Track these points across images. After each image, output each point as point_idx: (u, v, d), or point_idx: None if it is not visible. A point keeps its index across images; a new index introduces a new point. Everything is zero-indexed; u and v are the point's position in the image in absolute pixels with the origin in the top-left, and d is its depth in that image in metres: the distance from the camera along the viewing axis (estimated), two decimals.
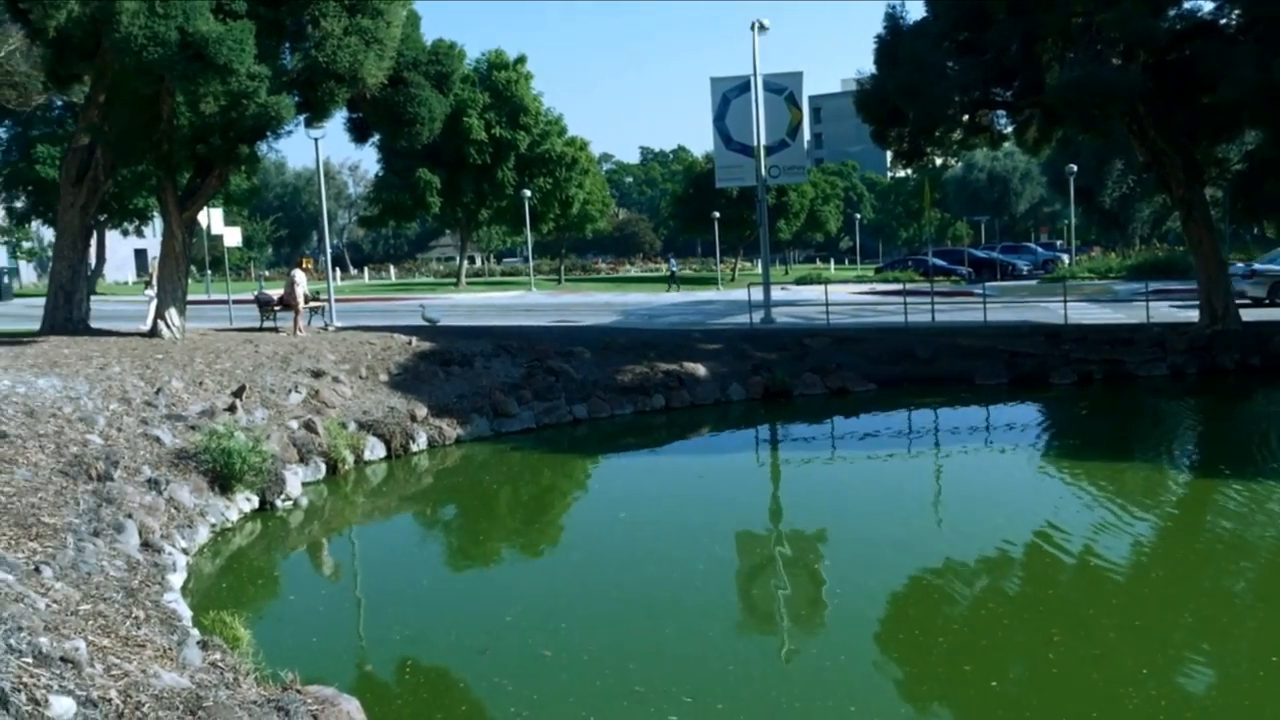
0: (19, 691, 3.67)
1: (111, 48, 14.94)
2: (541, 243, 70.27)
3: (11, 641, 4.15)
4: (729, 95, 27.16)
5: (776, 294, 30.82)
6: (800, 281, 51.75)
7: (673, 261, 57.20)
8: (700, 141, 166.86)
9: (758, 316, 25.92)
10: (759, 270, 33.44)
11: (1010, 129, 24.88)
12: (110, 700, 4.67)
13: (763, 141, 26.82)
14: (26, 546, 7.90)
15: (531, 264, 59.94)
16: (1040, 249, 60.55)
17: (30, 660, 4.25)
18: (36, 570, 7.30)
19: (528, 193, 51.17)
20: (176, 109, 17.32)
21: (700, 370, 19.50)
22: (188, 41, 14.28)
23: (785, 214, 62.72)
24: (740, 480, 14.51)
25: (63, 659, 4.71)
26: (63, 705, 3.92)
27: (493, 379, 18.03)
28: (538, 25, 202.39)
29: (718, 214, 56.85)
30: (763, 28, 26.71)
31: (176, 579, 9.46)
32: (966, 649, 8.07)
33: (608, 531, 11.98)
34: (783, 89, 26.95)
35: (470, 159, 49.60)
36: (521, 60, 52.68)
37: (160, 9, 14.27)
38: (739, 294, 36.02)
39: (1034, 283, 42.71)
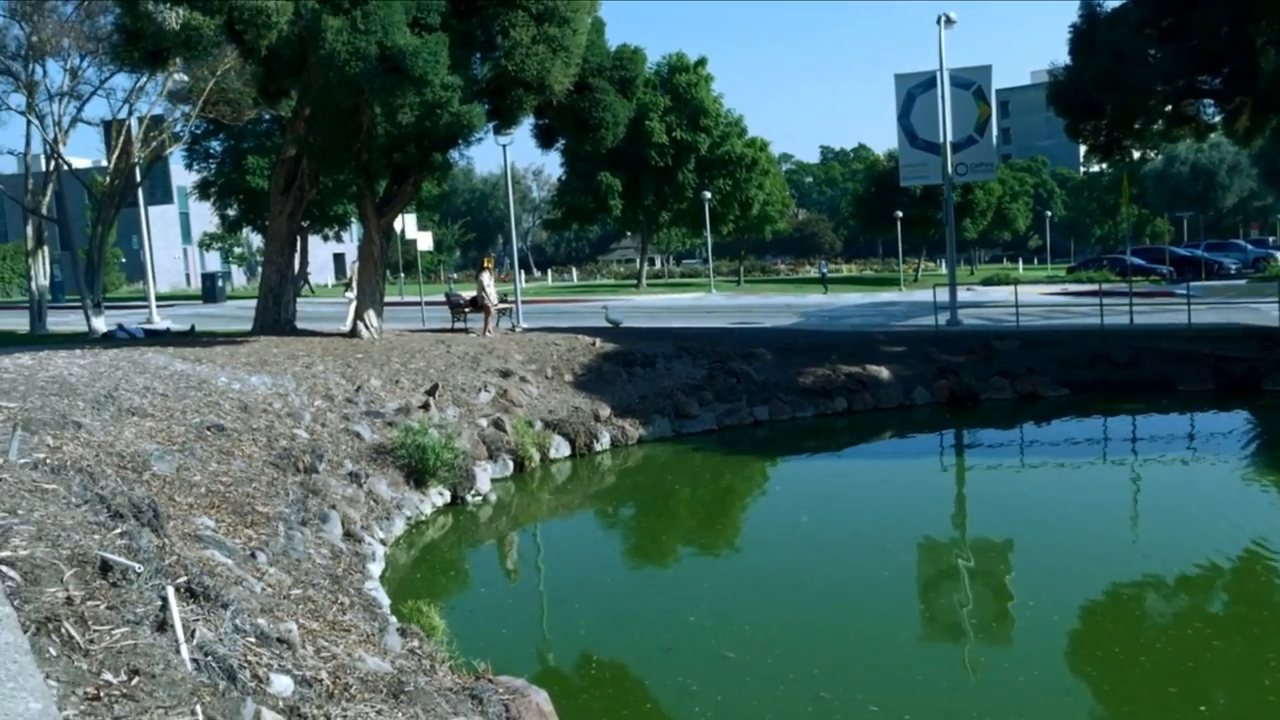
0: (245, 669, 3.94)
1: (317, 64, 15.76)
2: (720, 244, 70.34)
3: (237, 622, 4.46)
4: (914, 92, 26.61)
5: (962, 295, 29.99)
6: (987, 282, 50.19)
7: (823, 264, 57.40)
8: (882, 139, 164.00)
9: (943, 318, 25.30)
10: (943, 271, 32.61)
11: (1218, 119, 23.54)
12: (321, 681, 4.94)
13: (949, 138, 26.18)
14: (243, 533, 8.40)
15: (711, 265, 60.05)
16: (1250, 246, 56.98)
17: (254, 640, 4.56)
18: (252, 556, 7.77)
19: (708, 195, 51.32)
20: (375, 120, 18.11)
21: (883, 373, 19.19)
22: (386, 55, 14.93)
23: (971, 212, 61.03)
24: (924, 486, 14.22)
25: (279, 640, 5.02)
26: (282, 683, 4.19)
27: (674, 380, 18.21)
28: (719, 26, 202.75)
29: (900, 213, 55.72)
30: (949, 21, 26.06)
31: (375, 568, 9.93)
32: (1171, 671, 7.70)
33: (789, 535, 11.93)
34: (970, 84, 26.23)
35: (651, 162, 50.07)
36: (702, 62, 52.87)
37: (361, 25, 14.97)
38: (922, 295, 35.25)
39: (1243, 282, 40.24)
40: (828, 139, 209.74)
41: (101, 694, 2.90)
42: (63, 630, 3.26)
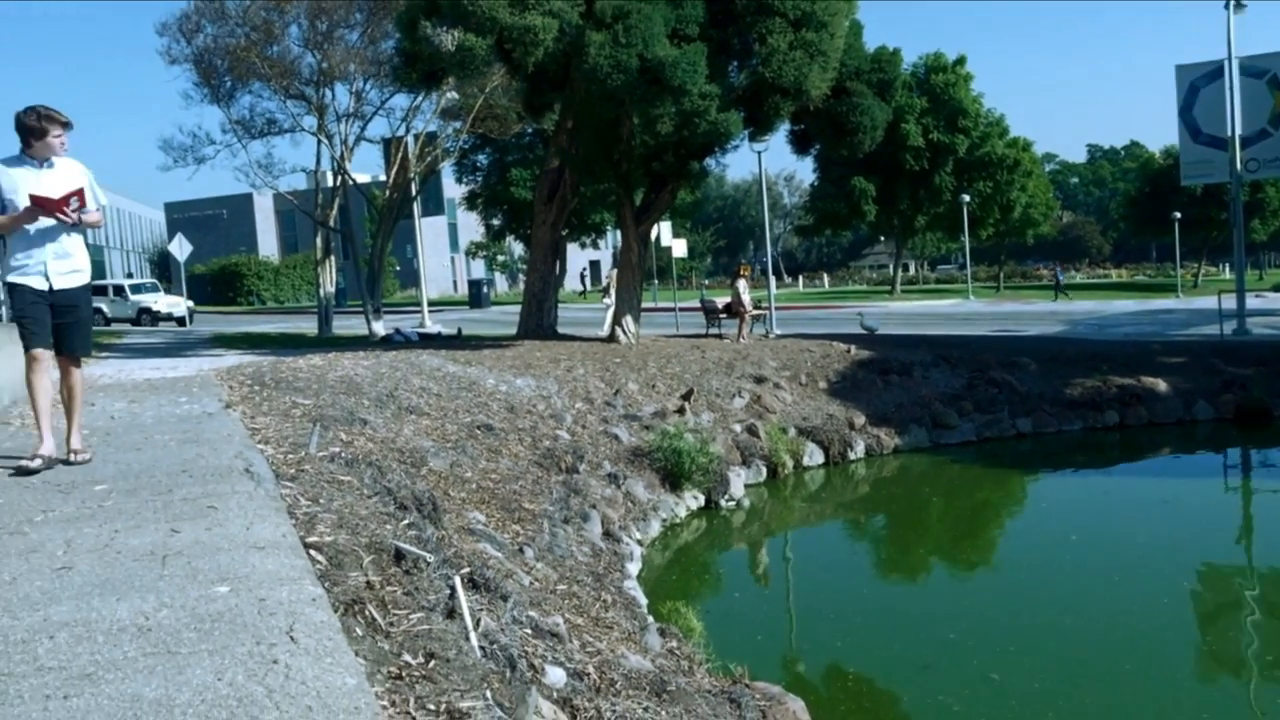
0: (523, 659, 4.12)
1: (579, 78, 16.30)
2: (979, 249, 68.03)
3: (515, 613, 4.67)
4: (1197, 84, 24.88)
5: (1251, 302, 27.79)
6: (1278, 288, 46.30)
7: (1059, 270, 54.66)
8: (1157, 136, 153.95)
9: (1229, 327, 23.52)
10: (1226, 276, 30.26)
11: None
12: (589, 675, 5.10)
13: (1237, 132, 24.32)
14: (511, 529, 8.78)
15: (969, 270, 58.17)
16: None
17: (529, 632, 4.76)
18: (520, 550, 8.10)
19: (966, 198, 49.76)
20: (635, 130, 18.55)
21: (1160, 385, 18.01)
22: (646, 67, 15.27)
23: (1261, 212, 56.51)
24: (1206, 508, 13.25)
25: (550, 633, 5.22)
26: (556, 675, 4.35)
27: (932, 389, 17.75)
28: (979, 23, 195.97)
29: (1178, 214, 52.26)
30: (1239, 5, 24.18)
31: (633, 567, 10.15)
32: None
33: (1056, 553, 11.38)
34: (1263, 71, 24.26)
35: (907, 165, 49.00)
36: (961, 61, 51.32)
37: (623, 39, 15.36)
38: (1204, 302, 32.94)
39: None
40: (1096, 137, 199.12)
41: (403, 674, 3.11)
42: (366, 613, 3.52)
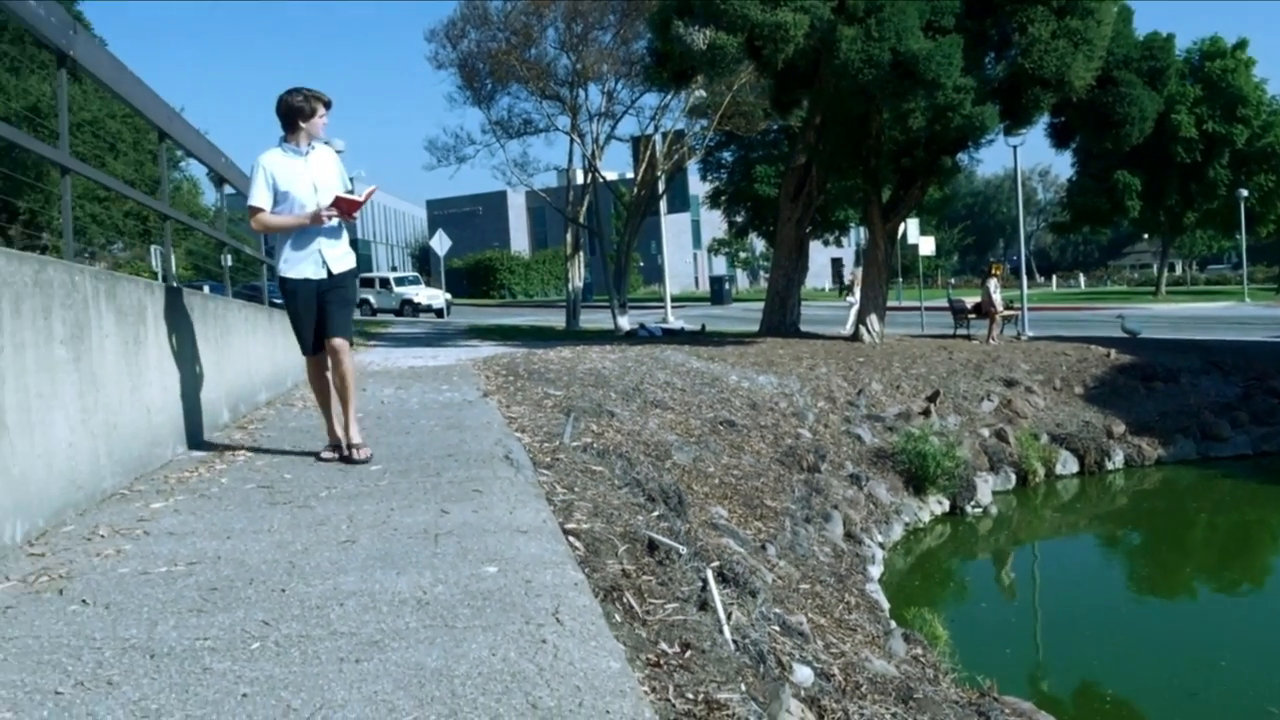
0: (771, 655, 4.15)
1: (830, 73, 16.16)
2: (1256, 247, 63.04)
3: (763, 609, 4.70)
4: None
5: None
6: None
7: None
8: None
9: None
10: None
11: None
12: (834, 676, 5.07)
13: None
14: (753, 525, 8.82)
15: (1244, 271, 53.98)
16: None
17: (777, 629, 4.79)
18: (762, 548, 8.13)
19: (1244, 192, 46.18)
20: (884, 126, 18.23)
21: None
22: (899, 61, 14.98)
23: None
24: None
25: (796, 631, 5.22)
26: (803, 673, 4.36)
27: (1201, 398, 16.62)
28: (1265, 7, 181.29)
29: None
30: None
31: (875, 570, 10.01)
32: None
33: None
34: None
35: (1177, 158, 45.86)
36: (1242, 45, 47.60)
37: (875, 33, 15.13)
38: None
39: None
40: None
41: (660, 662, 3.20)
42: (624, 600, 3.63)
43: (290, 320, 6.23)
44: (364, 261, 68.22)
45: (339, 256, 6.10)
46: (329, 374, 6.22)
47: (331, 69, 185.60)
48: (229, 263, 10.52)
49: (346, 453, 6.09)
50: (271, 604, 3.34)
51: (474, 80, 27.75)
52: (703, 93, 26.33)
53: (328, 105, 5.99)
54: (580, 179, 29.56)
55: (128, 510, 4.86)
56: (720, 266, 71.13)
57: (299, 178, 5.92)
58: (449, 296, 45.88)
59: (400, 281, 46.71)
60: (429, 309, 43.46)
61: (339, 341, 6.04)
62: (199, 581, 3.62)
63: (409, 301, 44.01)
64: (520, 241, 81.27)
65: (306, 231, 5.98)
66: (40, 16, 4.96)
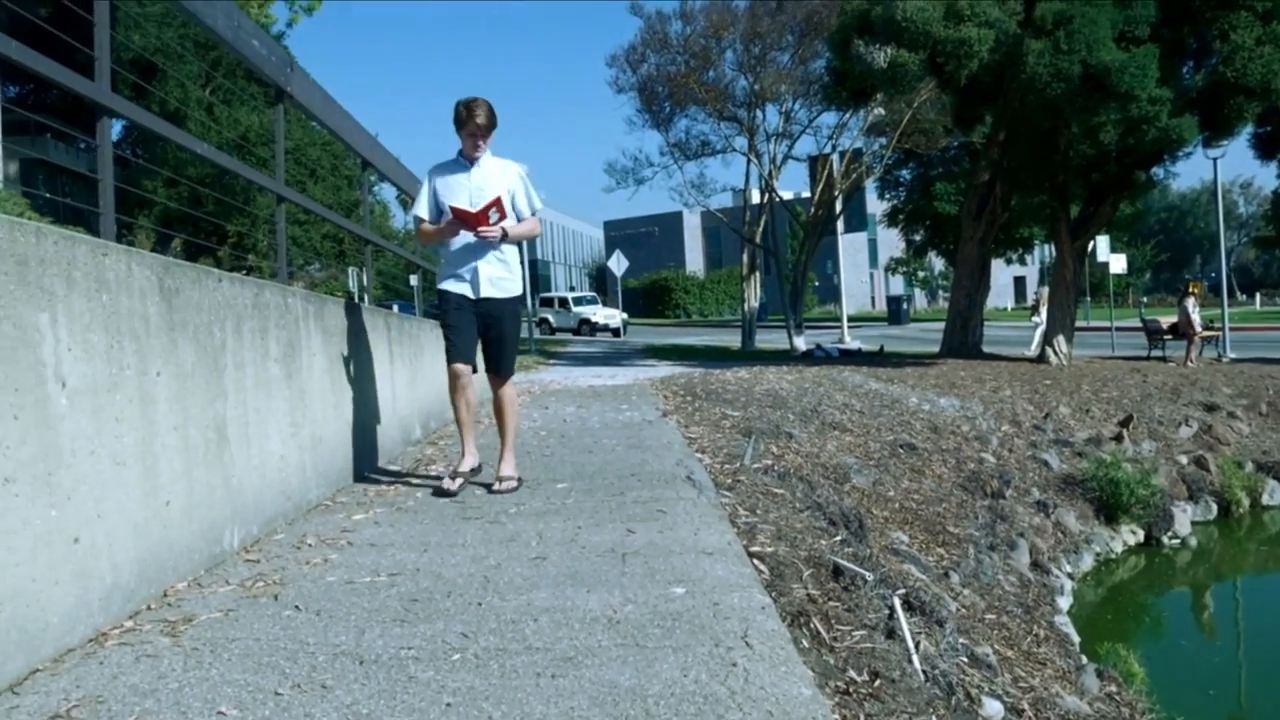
0: (959, 688, 4.06)
1: (1015, 88, 15.72)
2: None
3: (950, 640, 4.61)
4: None
5: None
6: None
7: None
8: None
9: None
10: None
11: None
12: (1023, 711, 4.93)
13: None
14: (935, 551, 8.63)
15: None
16: None
17: (965, 660, 4.69)
18: (945, 575, 7.95)
19: None
20: (1073, 140, 17.63)
21: None
22: (1090, 73, 14.47)
23: None
24: None
25: (984, 663, 5.09)
26: (993, 708, 4.25)
27: None
28: None
29: None
30: None
31: (1064, 602, 9.64)
32: None
33: None
34: None
35: None
36: None
37: (1064, 45, 14.66)
38: None
39: None
40: None
41: (850, 690, 3.18)
42: (811, 625, 3.62)
43: (441, 326, 5.92)
44: (543, 281, 69.85)
45: (493, 279, 5.82)
46: (471, 386, 6.02)
47: (514, 92, 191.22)
48: (417, 283, 10.95)
49: (491, 484, 5.89)
50: (469, 617, 3.47)
51: (653, 103, 28.16)
52: (881, 110, 26.01)
53: (489, 114, 5.68)
54: (757, 199, 29.58)
55: (332, 521, 5.13)
56: (897, 286, 69.87)
57: (458, 189, 5.76)
58: (625, 316, 46.54)
59: (578, 301, 47.66)
60: (606, 328, 44.20)
61: (502, 378, 6.00)
62: (400, 592, 3.79)
63: (587, 321, 44.86)
64: (695, 261, 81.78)
65: (464, 247, 5.77)
66: (263, 56, 5.32)
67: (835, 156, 27.67)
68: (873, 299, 75.16)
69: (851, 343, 28.53)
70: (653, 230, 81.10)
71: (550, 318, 46.39)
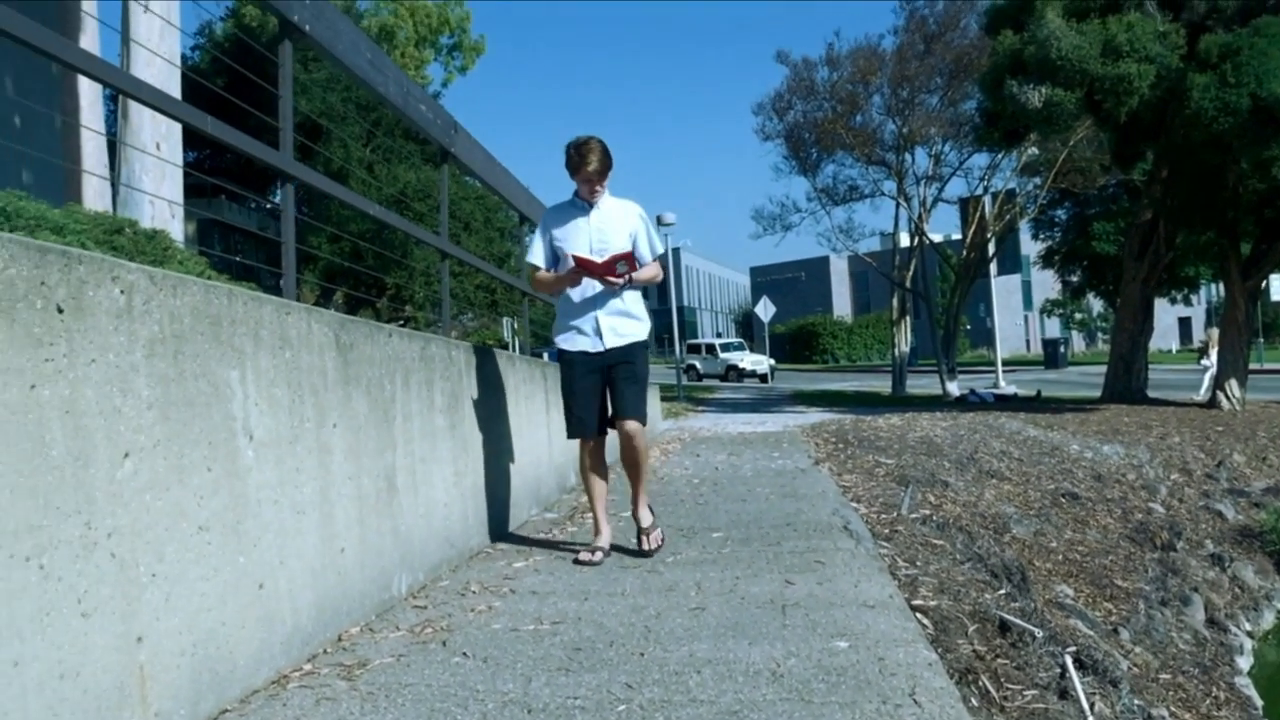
0: None
1: (1179, 123, 15.18)
2: None
3: (1126, 701, 4.43)
4: None
5: None
6: None
7: None
8: None
9: None
10: None
11: None
12: None
13: None
14: (1102, 606, 8.30)
15: None
16: None
17: None
18: (1114, 631, 7.64)
19: None
20: (1242, 175, 16.90)
21: None
22: (1261, 106, 13.88)
23: None
24: None
25: None
26: None
27: None
28: None
29: None
30: None
31: (1243, 662, 9.13)
32: None
33: None
34: None
35: None
36: None
37: (1232, 78, 14.11)
38: None
39: None
40: None
41: None
42: (980, 683, 3.54)
43: (561, 392, 5.46)
44: (690, 328, 70.18)
45: (619, 327, 5.34)
46: (603, 458, 5.60)
47: (659, 141, 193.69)
48: None
49: (636, 541, 5.51)
50: (632, 667, 3.50)
51: (800, 150, 28.20)
52: (1036, 150, 25.45)
53: (603, 157, 5.22)
54: (906, 242, 29.22)
55: (493, 568, 5.24)
56: (1054, 328, 67.84)
57: (576, 234, 5.32)
58: (773, 362, 46.36)
59: (725, 348, 47.73)
60: (753, 374, 44.11)
61: (632, 425, 5.27)
62: (563, 641, 3.85)
63: (734, 367, 44.85)
64: (843, 306, 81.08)
65: (583, 296, 5.35)
66: (429, 120, 5.56)
67: (987, 198, 27.16)
68: (1028, 342, 73.08)
69: (1007, 387, 27.76)
70: (799, 275, 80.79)
71: (697, 364, 46.52)
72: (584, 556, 5.28)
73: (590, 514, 5.77)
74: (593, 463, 5.50)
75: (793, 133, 27.98)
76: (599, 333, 5.29)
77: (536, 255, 5.47)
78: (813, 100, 27.39)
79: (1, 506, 2.22)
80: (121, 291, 2.67)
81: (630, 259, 5.20)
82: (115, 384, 2.62)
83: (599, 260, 5.15)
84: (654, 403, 15.58)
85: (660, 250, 5.53)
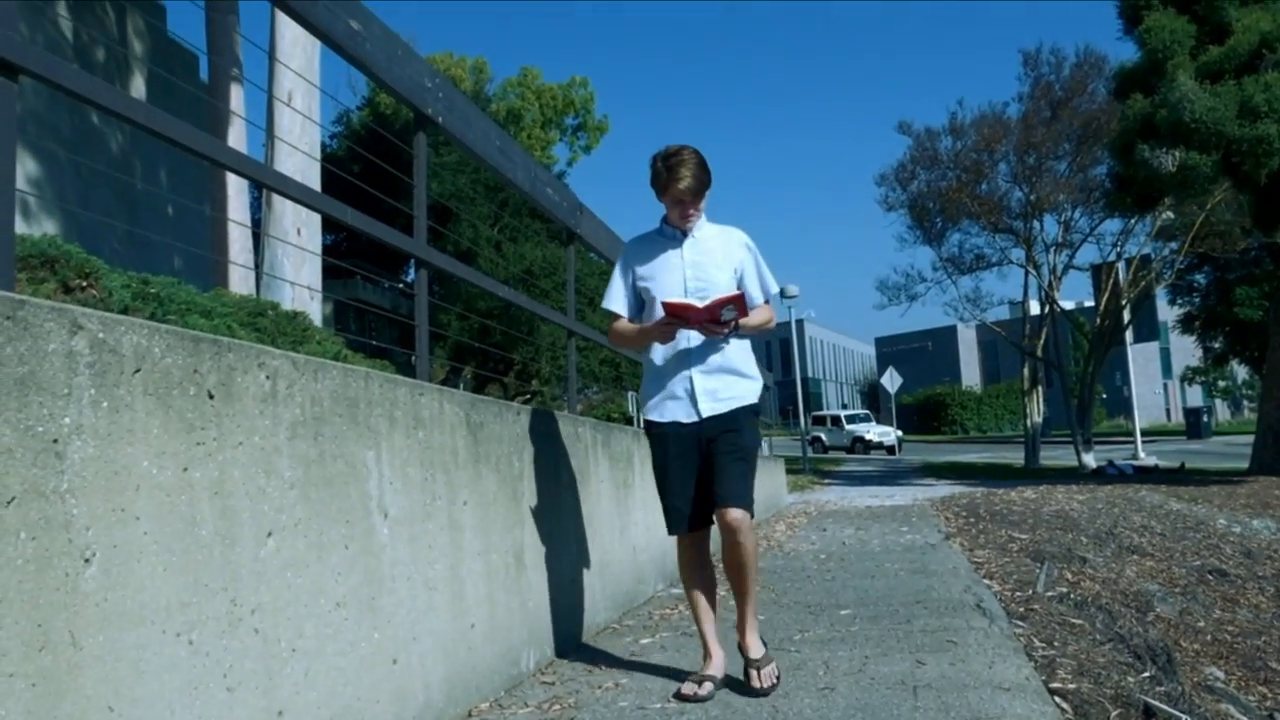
0: None
1: None
2: None
3: None
4: None
5: None
6: None
7: None
8: None
9: None
10: None
11: None
12: None
13: None
14: (1256, 690, 7.86)
15: None
16: None
17: None
18: (1270, 717, 7.23)
19: None
20: None
21: None
22: None
23: None
24: None
25: None
26: None
27: None
28: None
29: None
30: None
31: None
32: None
33: None
34: None
35: None
36: None
37: None
38: None
39: None
40: None
41: None
42: None
43: (655, 476, 4.30)
44: (814, 399, 69.58)
45: (721, 390, 4.12)
46: (707, 557, 4.40)
47: (782, 211, 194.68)
48: None
49: (745, 676, 4.15)
50: None
51: (924, 219, 27.99)
52: (1171, 215, 24.76)
53: (690, 170, 3.97)
54: (1036, 310, 28.61)
55: (619, 644, 5.26)
56: (1196, 397, 65.26)
57: (667, 272, 4.15)
58: (900, 433, 45.61)
59: (851, 419, 47.21)
60: (880, 445, 43.47)
61: (736, 514, 3.96)
62: (691, 719, 3.84)
63: (860, 439, 44.29)
64: (971, 375, 79.50)
65: (675, 350, 4.16)
66: (556, 202, 5.73)
67: (1121, 264, 26.46)
68: (1168, 411, 70.39)
69: (1147, 458, 26.76)
70: (926, 345, 79.60)
71: (823, 436, 46.06)
72: (687, 690, 4.06)
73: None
74: (695, 564, 4.31)
75: (916, 202, 27.81)
76: (693, 397, 4.11)
77: (616, 300, 4.28)
78: (936, 169, 27.23)
79: (155, 584, 2.34)
80: (267, 377, 2.81)
81: (740, 302, 3.96)
82: (260, 465, 2.75)
83: (699, 304, 3.91)
84: (778, 476, 15.44)
85: (774, 289, 4.27)
